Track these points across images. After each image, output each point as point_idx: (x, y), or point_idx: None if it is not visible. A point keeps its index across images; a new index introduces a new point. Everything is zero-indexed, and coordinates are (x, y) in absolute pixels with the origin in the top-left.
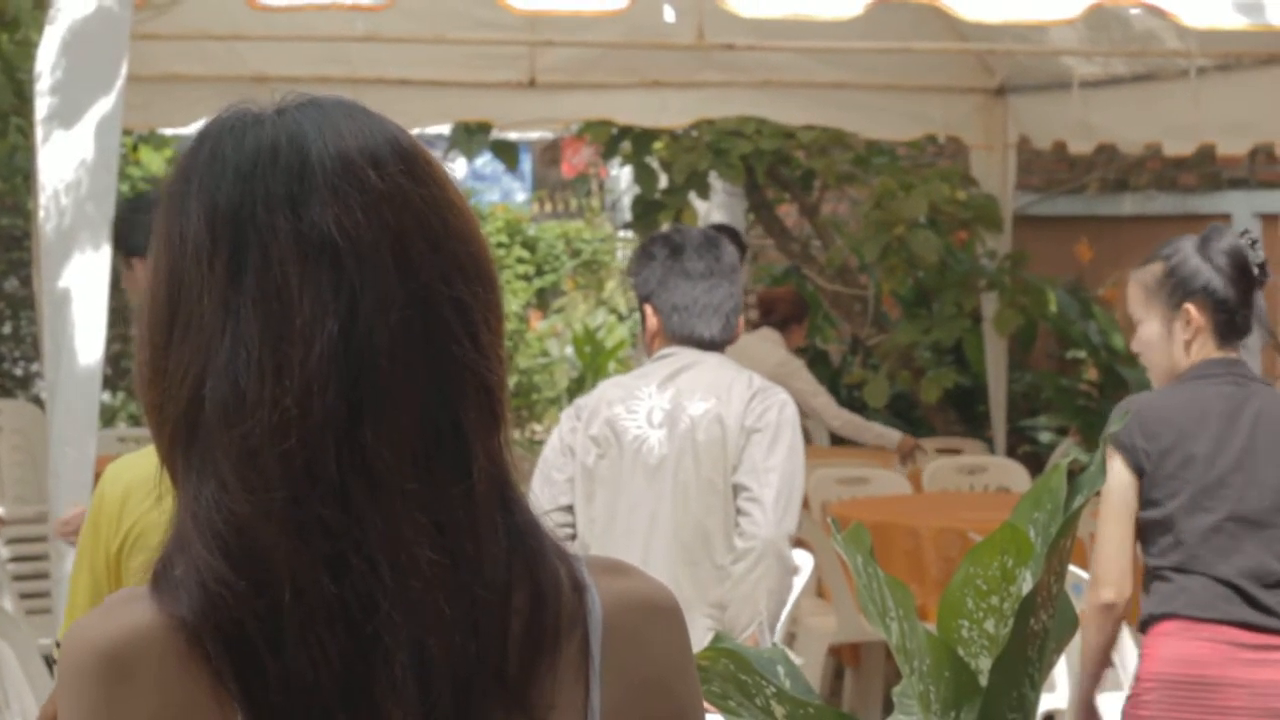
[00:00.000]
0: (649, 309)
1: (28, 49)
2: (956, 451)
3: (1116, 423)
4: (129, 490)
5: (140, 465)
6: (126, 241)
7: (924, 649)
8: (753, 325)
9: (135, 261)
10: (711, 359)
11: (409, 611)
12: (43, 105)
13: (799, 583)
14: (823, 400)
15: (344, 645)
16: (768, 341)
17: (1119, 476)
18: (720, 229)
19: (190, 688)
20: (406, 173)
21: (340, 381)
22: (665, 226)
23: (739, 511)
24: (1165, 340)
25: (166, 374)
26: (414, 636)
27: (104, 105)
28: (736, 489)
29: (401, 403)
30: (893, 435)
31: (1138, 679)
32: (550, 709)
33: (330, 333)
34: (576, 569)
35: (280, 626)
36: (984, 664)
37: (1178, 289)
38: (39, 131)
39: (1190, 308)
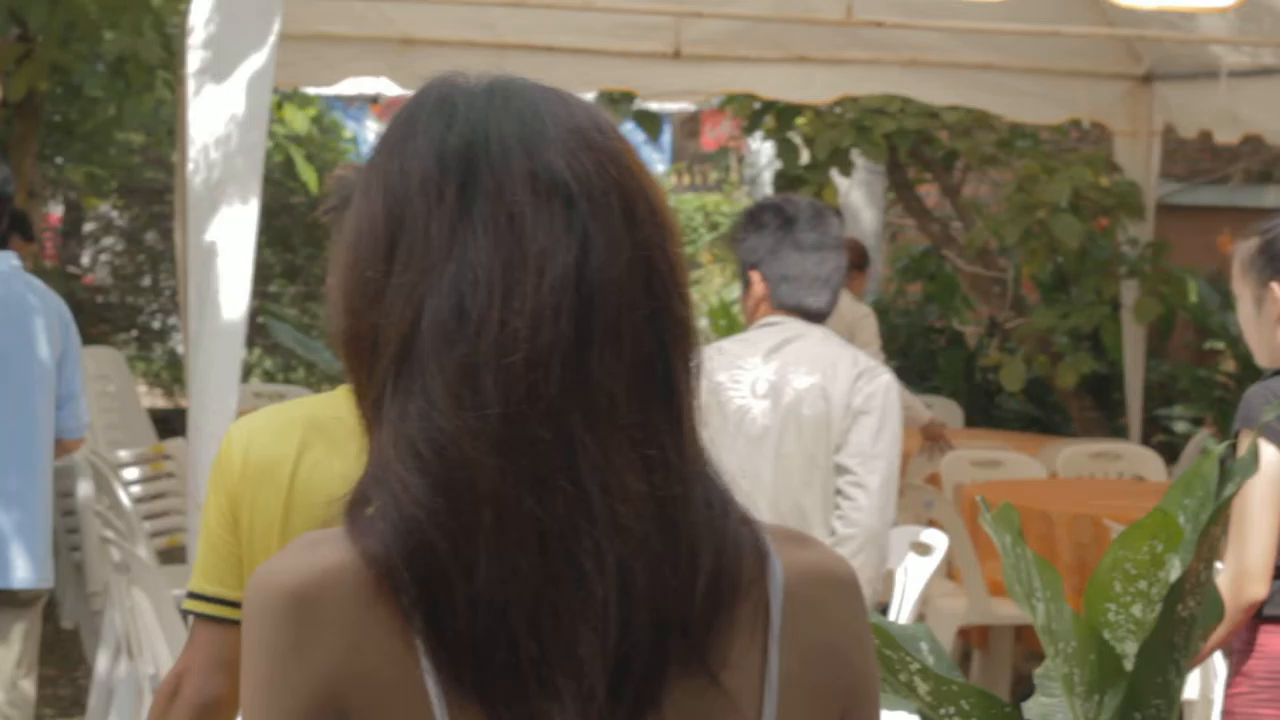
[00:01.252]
0: (755, 276)
1: (176, 3)
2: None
3: (1272, 411)
4: (254, 440)
5: (259, 418)
6: None
7: (1069, 631)
8: None
9: None
10: (816, 332)
11: (615, 537)
12: (195, 59)
13: (931, 563)
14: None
15: (536, 566)
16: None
17: (1274, 465)
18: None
19: (377, 627)
20: (622, 142)
21: (571, 311)
22: (772, 196)
23: (841, 494)
24: (1254, 318)
25: (385, 300)
26: (620, 561)
27: (256, 61)
28: (839, 469)
29: (623, 341)
30: (924, 415)
31: (1248, 674)
32: (724, 667)
33: (564, 264)
34: (759, 534)
35: (474, 547)
36: (1129, 648)
37: (1268, 266)
38: (190, 85)
39: (1276, 285)
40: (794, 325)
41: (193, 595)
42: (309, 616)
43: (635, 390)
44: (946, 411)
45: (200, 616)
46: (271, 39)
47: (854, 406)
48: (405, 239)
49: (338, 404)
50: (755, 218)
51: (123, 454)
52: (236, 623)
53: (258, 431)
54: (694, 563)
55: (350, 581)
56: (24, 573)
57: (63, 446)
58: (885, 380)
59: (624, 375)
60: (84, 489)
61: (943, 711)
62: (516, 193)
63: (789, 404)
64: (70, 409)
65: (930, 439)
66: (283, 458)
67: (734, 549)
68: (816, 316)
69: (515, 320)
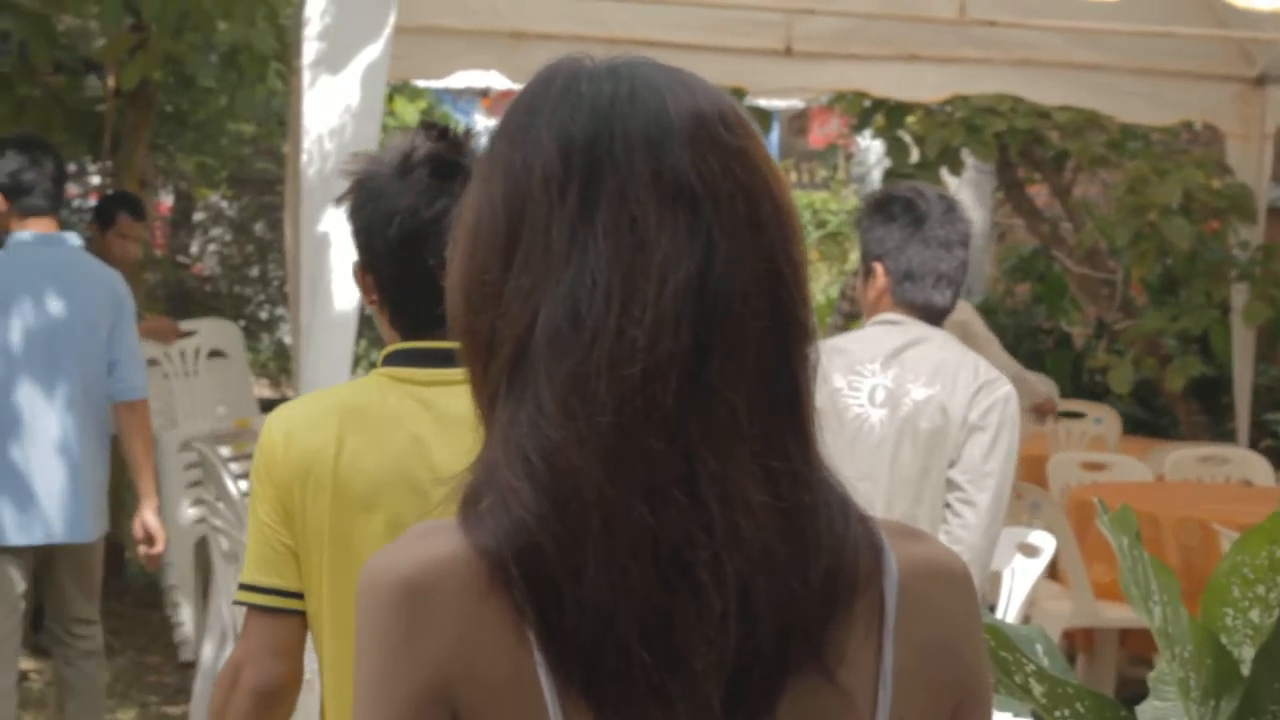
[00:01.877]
0: (879, 268)
1: None
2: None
3: None
4: (294, 430)
5: (298, 408)
6: None
7: (1186, 635)
8: None
9: None
10: (938, 336)
11: (736, 550)
12: (310, 50)
13: (1038, 565)
14: (995, 348)
15: (649, 577)
16: None
17: None
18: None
19: (490, 618)
20: (750, 136)
21: (692, 321)
22: (903, 186)
23: (950, 509)
24: None
25: (503, 300)
26: (741, 574)
27: (371, 53)
28: (950, 484)
29: (747, 351)
30: (1039, 392)
31: None
32: (840, 664)
33: (687, 272)
34: (874, 529)
35: (582, 553)
36: (1246, 653)
37: None
38: (305, 76)
39: None
40: (915, 327)
41: (245, 586)
42: (422, 606)
43: (757, 400)
44: (1045, 386)
45: (253, 607)
46: (387, 31)
47: (970, 421)
48: (525, 238)
49: (370, 391)
50: (884, 207)
51: (208, 430)
52: (288, 612)
53: (297, 423)
54: (816, 568)
55: (463, 572)
56: (83, 526)
57: (130, 409)
58: (1004, 393)
59: (745, 385)
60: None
61: (1057, 714)
62: (640, 195)
63: (906, 415)
64: (119, 373)
65: (1039, 414)
66: (324, 447)
67: (852, 548)
68: (938, 315)
69: (633, 330)
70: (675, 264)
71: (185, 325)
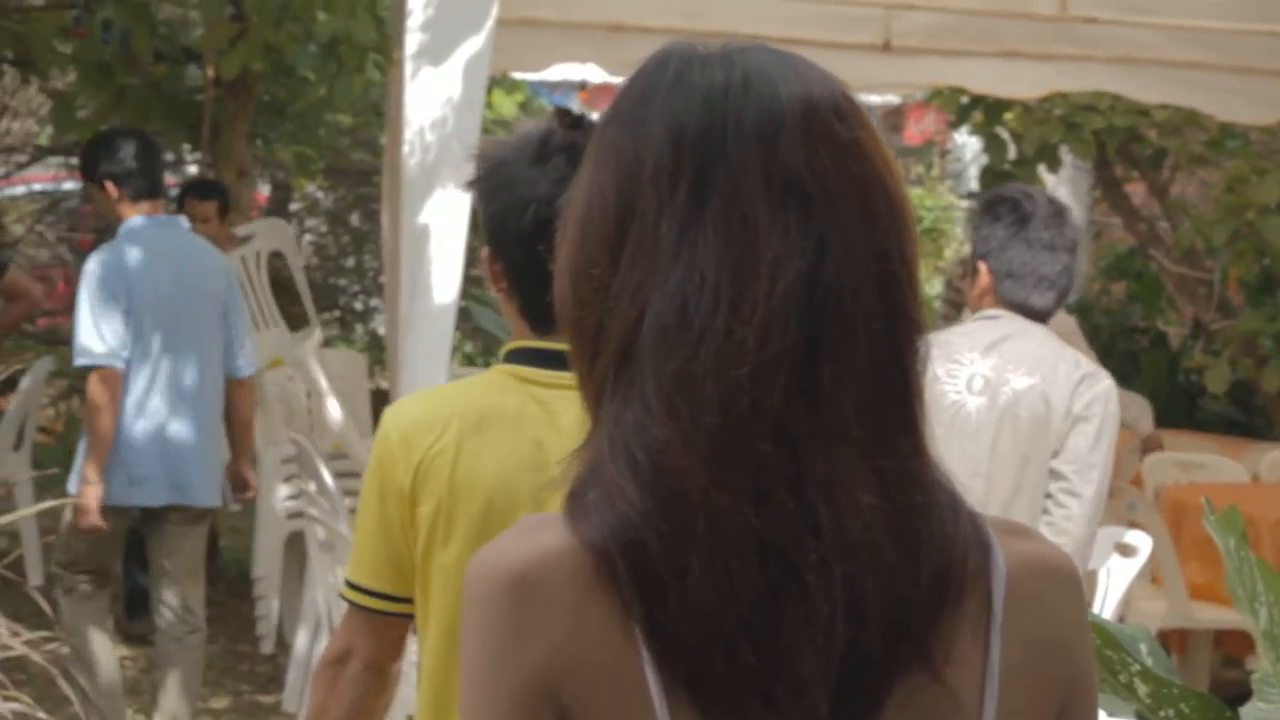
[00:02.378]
0: (983, 267)
1: None
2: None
3: None
4: (411, 430)
5: (416, 406)
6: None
7: None
8: None
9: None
10: (1037, 331)
11: (844, 552)
12: (412, 42)
13: (1135, 565)
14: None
15: (756, 577)
16: None
17: None
18: None
19: (597, 612)
20: (864, 127)
21: (802, 320)
22: (1014, 187)
23: (1052, 499)
24: None
25: (611, 293)
26: (849, 576)
27: (473, 45)
28: (1053, 474)
29: (858, 350)
30: (1147, 427)
31: None
32: (947, 662)
33: (798, 271)
34: (982, 527)
35: (687, 552)
36: None
37: None
38: (407, 68)
39: None
40: (1015, 321)
41: (352, 585)
42: (530, 599)
43: (867, 400)
44: (1142, 409)
45: (358, 606)
46: (489, 23)
47: (1074, 412)
48: (634, 231)
49: (493, 390)
50: (992, 208)
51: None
52: (389, 615)
53: (414, 425)
54: (925, 569)
55: (570, 566)
56: (204, 491)
57: (241, 386)
58: (1106, 385)
59: (855, 386)
60: (270, 471)
61: (1162, 714)
62: (751, 191)
63: (1006, 403)
64: (234, 350)
65: (1147, 450)
66: (443, 449)
67: (961, 547)
68: (1038, 316)
69: (742, 330)
70: (786, 262)
71: (240, 230)
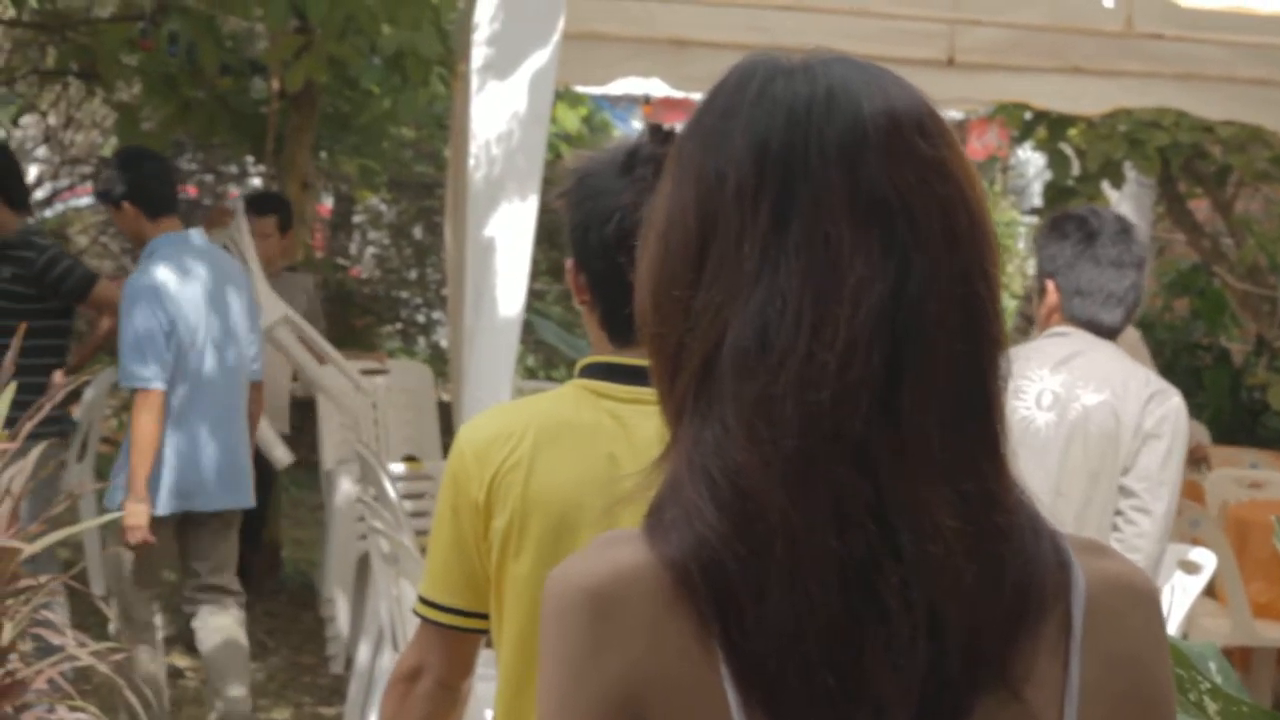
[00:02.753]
0: (1050, 285)
1: None
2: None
3: None
4: (485, 444)
5: (491, 422)
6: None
7: None
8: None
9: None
10: (1106, 348)
11: (925, 575)
12: (479, 55)
13: (1199, 583)
14: None
15: (835, 601)
16: None
17: None
18: None
19: (676, 629)
20: (948, 144)
21: (884, 344)
22: (1081, 206)
23: (1123, 516)
24: None
25: (692, 312)
26: (930, 599)
27: (539, 59)
28: (1124, 491)
29: (941, 372)
30: (1193, 437)
31: None
32: (1026, 681)
33: (880, 294)
34: (1062, 545)
35: (765, 574)
36: None
37: None
38: (473, 81)
39: None
40: (1083, 338)
41: (425, 601)
42: (609, 614)
43: (949, 423)
44: (1197, 432)
45: (425, 620)
46: (555, 37)
47: (1145, 429)
48: (716, 250)
49: (567, 404)
50: (1059, 226)
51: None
52: (463, 630)
53: (489, 438)
54: (1006, 590)
55: (649, 582)
56: (243, 495)
57: (258, 389)
58: (1176, 403)
59: (937, 409)
60: (343, 485)
61: None
62: (834, 211)
63: (1075, 419)
64: (255, 355)
65: (1193, 461)
66: (517, 463)
67: (1042, 566)
68: (1106, 333)
69: (824, 354)
70: (868, 285)
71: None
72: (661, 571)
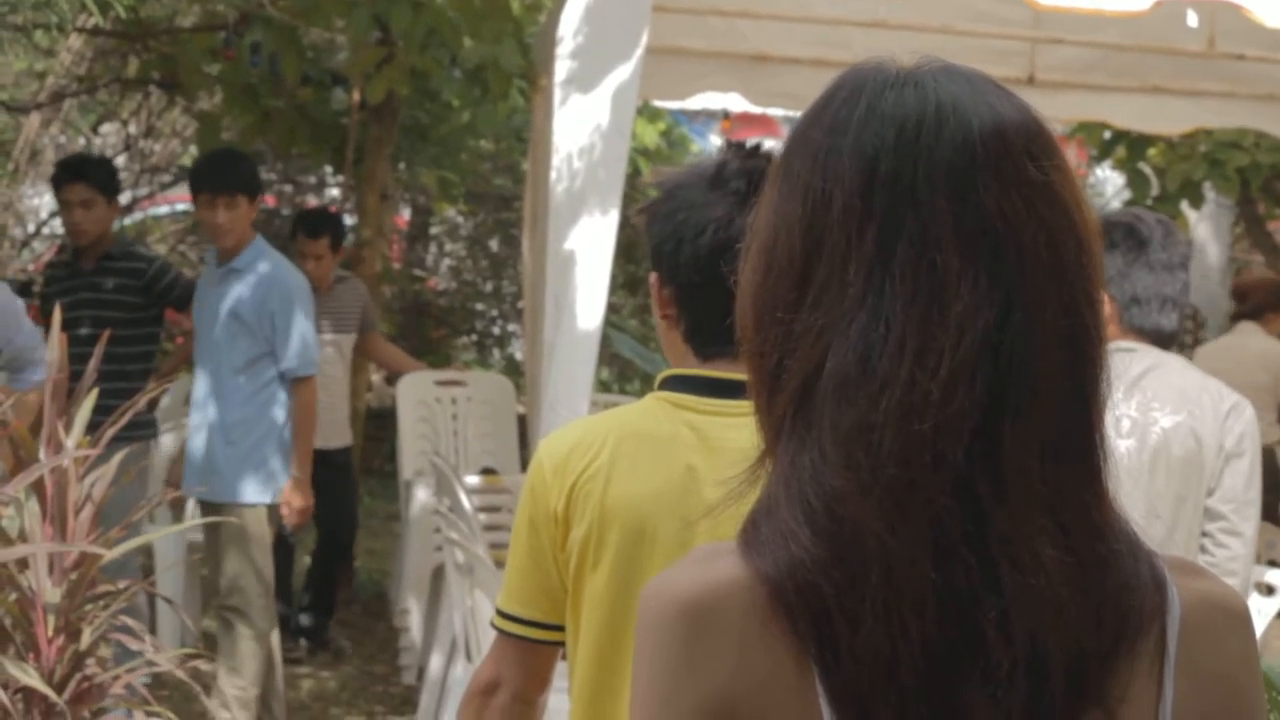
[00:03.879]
0: (1105, 298)
1: (535, 13)
2: None
3: None
4: (564, 455)
5: (570, 433)
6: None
7: None
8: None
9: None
10: (1174, 361)
11: (1026, 607)
12: (562, 69)
13: (1275, 604)
14: None
15: (931, 631)
16: (1251, 335)
17: None
18: None
19: (772, 647)
20: (1056, 165)
21: (987, 374)
22: (1120, 211)
23: (1212, 539)
24: None
25: (794, 333)
26: (1029, 631)
27: (622, 73)
28: (1210, 514)
29: (1043, 402)
30: None
31: None
32: (1121, 701)
33: (986, 323)
34: (1159, 566)
35: (860, 601)
36: None
37: None
38: (556, 94)
39: None
40: (1148, 354)
41: (503, 614)
42: (705, 628)
43: (1051, 454)
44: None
45: (503, 633)
46: (639, 51)
47: (1226, 448)
48: (821, 271)
49: (646, 415)
50: (1106, 236)
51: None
52: (540, 642)
53: (568, 449)
54: (1107, 618)
55: (745, 597)
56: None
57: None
58: (1250, 415)
59: (1039, 440)
60: (421, 495)
61: None
62: (941, 237)
63: (1156, 444)
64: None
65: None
66: (596, 472)
67: (1141, 589)
68: (1167, 339)
69: (927, 383)
70: (974, 314)
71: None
72: (758, 587)
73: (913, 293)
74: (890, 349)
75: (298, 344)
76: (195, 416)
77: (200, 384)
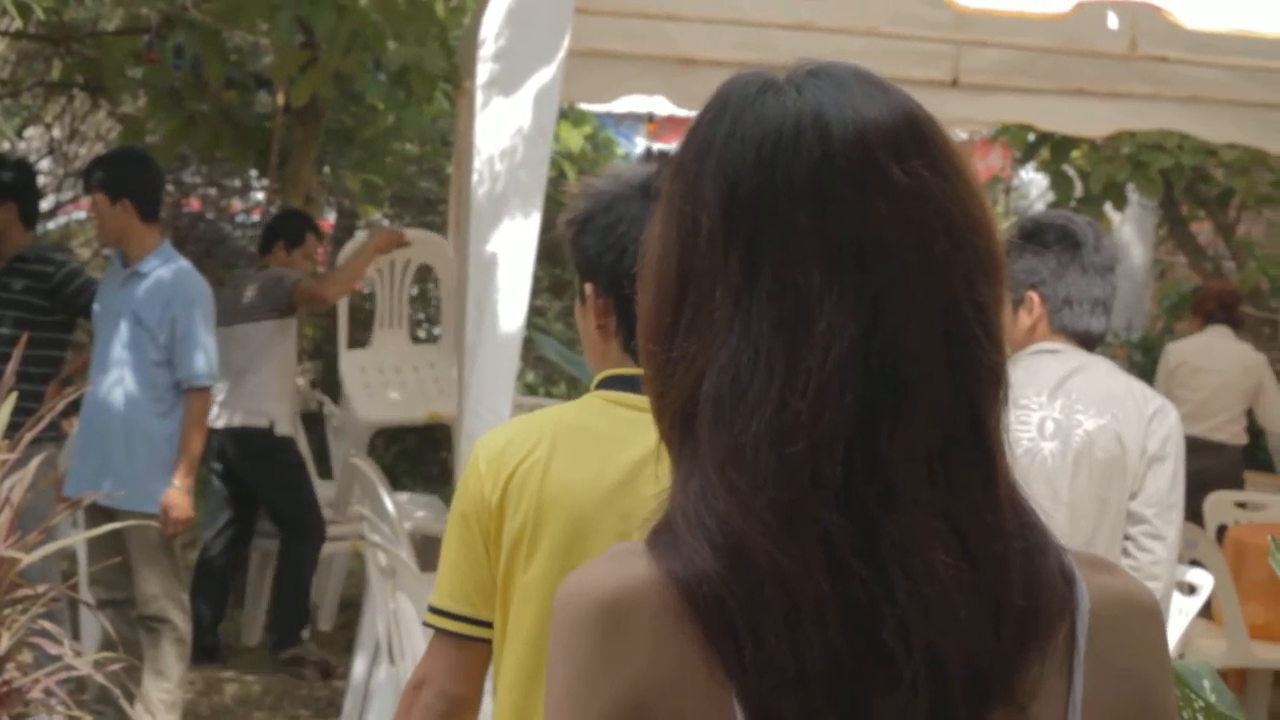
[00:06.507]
0: (1035, 297)
1: (460, 15)
2: None
3: None
4: (500, 449)
5: (508, 429)
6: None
7: None
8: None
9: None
10: (1100, 364)
11: (922, 616)
12: (484, 71)
13: (1195, 603)
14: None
15: (834, 643)
16: (1229, 339)
17: None
18: None
19: (686, 646)
20: (928, 164)
21: (857, 387)
22: (1051, 214)
23: (1135, 543)
24: None
25: (670, 361)
26: (927, 640)
27: (544, 75)
28: (1133, 517)
29: (921, 408)
30: None
31: None
32: (1031, 698)
33: (851, 336)
34: (1067, 561)
35: (762, 616)
36: None
37: None
38: (478, 97)
39: None
40: (1075, 355)
41: (436, 610)
42: (620, 626)
43: (938, 459)
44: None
45: (442, 632)
46: (561, 54)
47: (1150, 452)
48: (692, 297)
49: (586, 411)
50: (1037, 236)
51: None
52: (469, 639)
53: (504, 442)
54: (1008, 619)
55: (659, 596)
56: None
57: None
58: (1175, 419)
59: (922, 447)
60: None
61: None
62: (804, 254)
63: (1079, 446)
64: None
65: None
66: (532, 466)
67: (1047, 584)
68: (1095, 341)
69: (797, 402)
70: (839, 329)
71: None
72: (669, 588)
73: (778, 314)
74: (759, 372)
75: (195, 353)
76: (90, 420)
77: (98, 388)
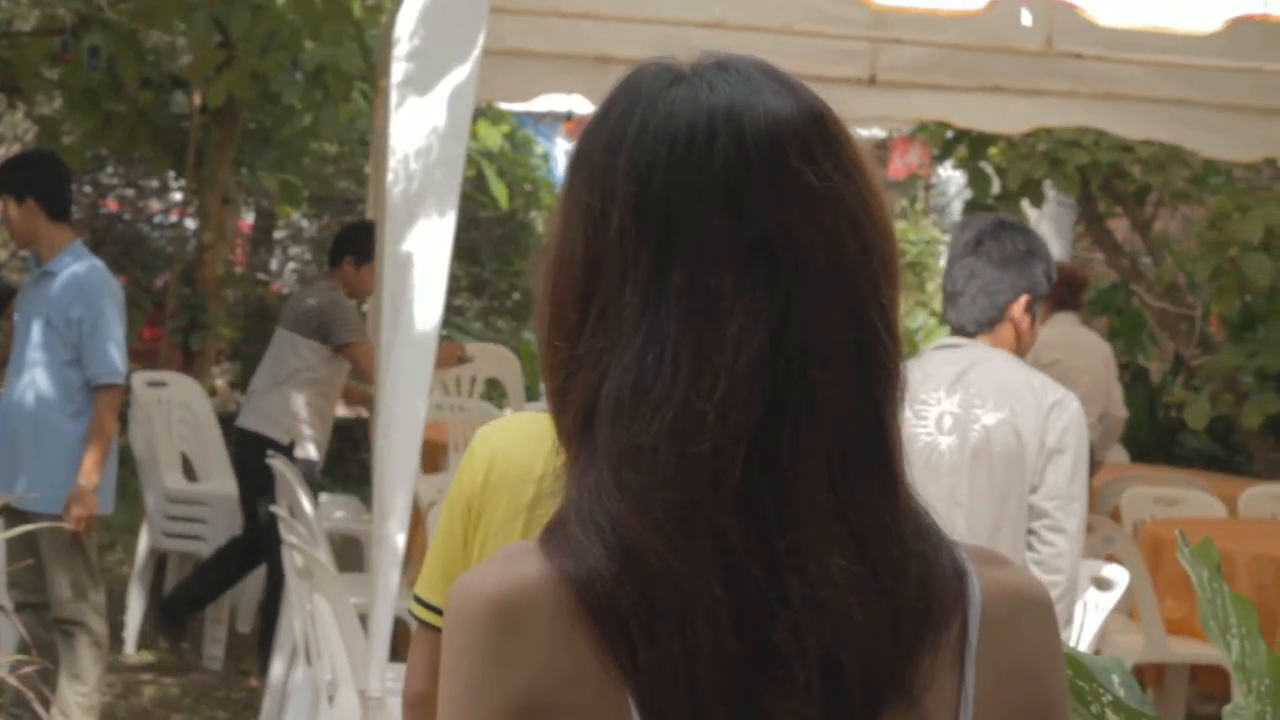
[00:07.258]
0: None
1: (377, 15)
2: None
3: None
4: (496, 448)
5: (509, 427)
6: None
7: (1264, 669)
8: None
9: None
10: (998, 357)
11: (816, 619)
12: (398, 70)
13: (1111, 599)
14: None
15: (727, 645)
16: (1079, 327)
17: None
18: None
19: (580, 645)
20: (837, 166)
21: (765, 390)
22: (990, 215)
23: (1037, 537)
24: None
25: (575, 357)
26: (822, 642)
27: (459, 74)
28: (1034, 511)
29: (826, 411)
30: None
31: None
32: (925, 691)
33: (762, 339)
34: (959, 555)
35: (654, 616)
36: None
37: None
38: (393, 96)
39: None
40: (974, 349)
41: (420, 601)
42: (514, 624)
43: (838, 462)
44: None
45: (423, 623)
46: (475, 53)
47: (1049, 445)
48: (600, 294)
49: None
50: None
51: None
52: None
53: (505, 442)
54: (903, 620)
55: (552, 595)
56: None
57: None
58: (1075, 410)
59: (823, 451)
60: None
61: None
62: (716, 255)
63: (977, 441)
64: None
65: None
66: (530, 466)
67: (940, 581)
68: (966, 331)
69: (702, 403)
70: (750, 332)
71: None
72: (563, 587)
73: (687, 314)
74: (665, 372)
75: (103, 350)
76: (3, 421)
77: (12, 389)
